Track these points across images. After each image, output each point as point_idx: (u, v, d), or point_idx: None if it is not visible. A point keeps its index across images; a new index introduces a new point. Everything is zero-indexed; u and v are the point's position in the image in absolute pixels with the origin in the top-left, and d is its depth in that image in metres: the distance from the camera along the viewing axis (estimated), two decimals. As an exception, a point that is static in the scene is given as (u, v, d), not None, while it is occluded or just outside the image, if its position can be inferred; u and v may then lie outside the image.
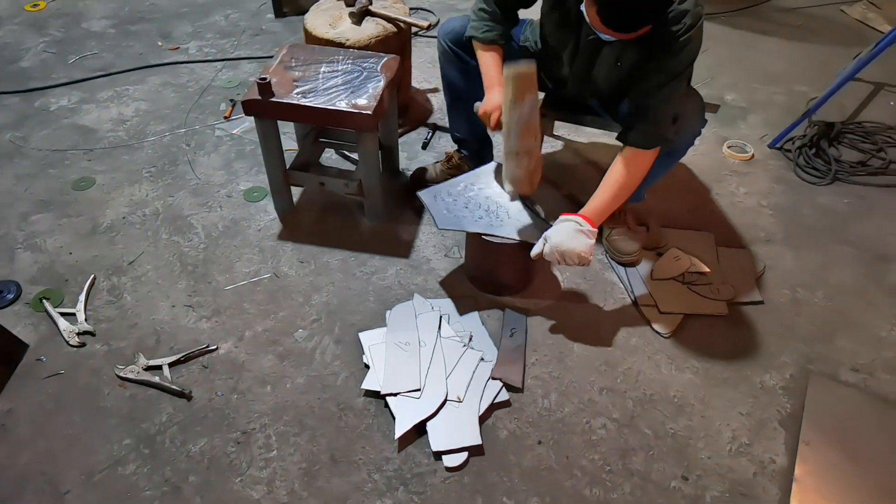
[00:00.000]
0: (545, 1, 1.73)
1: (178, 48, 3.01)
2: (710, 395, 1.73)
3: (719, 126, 2.64)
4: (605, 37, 1.52)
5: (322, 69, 1.98)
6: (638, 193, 1.96)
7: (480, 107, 1.79)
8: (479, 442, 1.58)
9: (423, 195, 1.87)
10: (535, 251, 1.67)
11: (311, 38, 2.33)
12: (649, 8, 1.39)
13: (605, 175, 1.71)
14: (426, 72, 2.89)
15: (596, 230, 1.65)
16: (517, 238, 1.76)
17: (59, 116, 2.60)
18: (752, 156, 2.50)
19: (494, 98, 1.73)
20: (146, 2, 3.36)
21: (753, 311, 1.94)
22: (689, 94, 1.74)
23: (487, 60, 1.78)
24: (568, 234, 1.62)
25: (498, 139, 2.46)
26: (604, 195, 1.69)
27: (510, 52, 1.84)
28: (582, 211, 1.68)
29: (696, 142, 1.84)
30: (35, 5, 3.29)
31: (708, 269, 2.01)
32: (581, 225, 1.64)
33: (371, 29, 2.30)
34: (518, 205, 1.87)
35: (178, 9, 3.32)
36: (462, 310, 1.90)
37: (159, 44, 3.04)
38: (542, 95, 1.96)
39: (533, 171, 1.68)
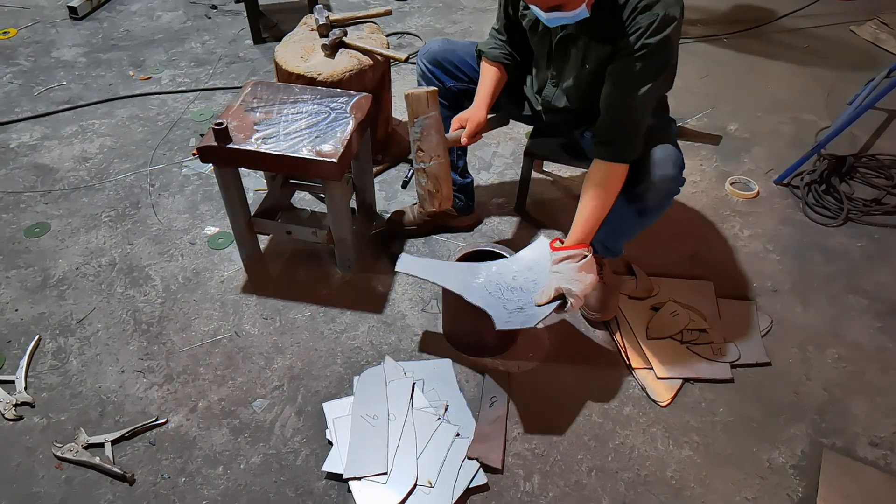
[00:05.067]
0: (521, 3, 1.65)
1: (149, 78, 2.86)
2: (711, 476, 1.55)
3: (721, 160, 2.46)
4: (542, 16, 1.43)
5: (286, 110, 1.82)
6: (615, 247, 1.81)
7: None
8: (451, 536, 1.41)
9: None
10: (568, 307, 1.47)
11: (281, 73, 2.18)
12: None
13: (584, 191, 1.57)
14: (410, 102, 2.73)
15: (590, 248, 1.53)
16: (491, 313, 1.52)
17: (19, 154, 2.45)
18: (757, 193, 2.32)
19: (472, 110, 1.71)
20: (120, 28, 3.22)
21: (759, 375, 1.76)
22: (662, 143, 1.57)
23: (485, 74, 1.76)
24: (578, 274, 1.48)
25: (477, 179, 2.31)
26: (588, 215, 1.55)
27: (514, 76, 1.79)
28: (571, 238, 1.54)
29: (680, 189, 1.65)
30: (5, 33, 3.16)
31: (708, 326, 1.83)
32: (585, 256, 1.50)
33: (345, 62, 2.14)
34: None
35: (152, 35, 3.17)
36: (438, 374, 1.73)
37: (130, 73, 2.89)
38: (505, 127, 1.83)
39: (433, 191, 1.65)
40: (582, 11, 1.39)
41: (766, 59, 3.07)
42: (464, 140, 1.66)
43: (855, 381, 1.76)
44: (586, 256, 1.50)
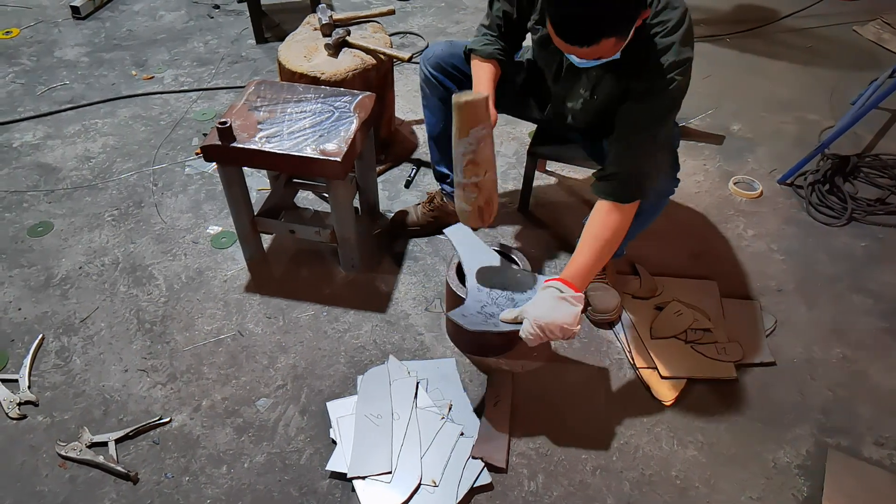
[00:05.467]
0: (534, 17, 1.59)
1: (152, 77, 2.86)
2: (716, 476, 1.54)
3: (724, 160, 2.46)
4: (574, 60, 1.36)
5: (289, 109, 1.82)
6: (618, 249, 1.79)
7: None
8: (456, 535, 1.41)
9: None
10: (521, 332, 1.42)
11: (284, 72, 2.18)
12: (601, 15, 1.22)
13: (584, 231, 1.51)
14: (412, 101, 2.73)
15: (581, 295, 1.41)
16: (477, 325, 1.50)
17: (22, 154, 2.44)
18: (761, 193, 2.32)
19: None
20: (123, 27, 3.22)
21: (764, 374, 1.75)
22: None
23: (480, 71, 1.64)
24: (548, 304, 1.38)
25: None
26: (585, 255, 1.48)
27: (507, 70, 1.71)
28: (563, 274, 1.47)
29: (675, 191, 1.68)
30: (8, 32, 3.16)
31: (712, 325, 1.83)
32: (562, 291, 1.40)
33: (348, 62, 2.14)
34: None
35: (154, 35, 3.17)
36: (442, 374, 1.73)
37: (133, 73, 2.89)
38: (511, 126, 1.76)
39: (483, 206, 1.53)
40: (616, 55, 1.34)
41: (769, 59, 3.07)
42: None
43: (860, 380, 1.75)
44: (563, 292, 1.39)
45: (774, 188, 2.35)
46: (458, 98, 1.39)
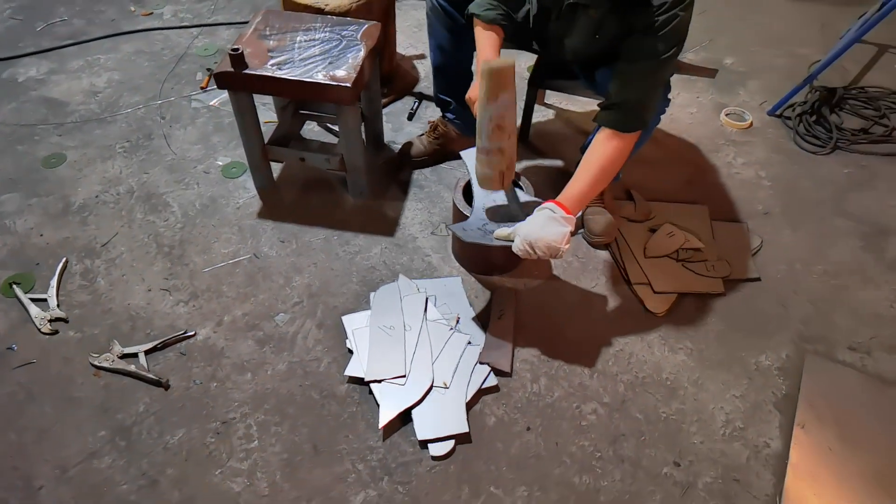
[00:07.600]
0: None
1: (151, 13, 2.87)
2: (703, 378, 1.68)
3: (717, 92, 2.54)
4: None
5: (298, 38, 1.87)
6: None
7: (469, 90, 1.71)
8: (466, 429, 1.53)
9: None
10: (513, 248, 1.50)
11: (288, 3, 2.21)
12: None
13: (583, 157, 1.58)
14: (412, 37, 2.77)
15: (573, 217, 1.48)
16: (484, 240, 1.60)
17: (28, 88, 2.47)
18: (751, 124, 2.41)
19: None
20: (118, -37, 3.19)
21: (749, 289, 1.88)
22: None
23: (484, 41, 1.67)
24: (539, 223, 1.46)
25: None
26: (582, 180, 1.54)
27: (511, 32, 1.75)
28: (559, 197, 1.54)
29: (662, 118, 1.77)
30: (1, -32, 3.12)
31: (702, 245, 1.94)
32: (554, 212, 1.47)
33: (352, -7, 2.17)
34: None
35: (151, -30, 3.15)
36: (449, 291, 1.84)
37: (132, 9, 2.89)
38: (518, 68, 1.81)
39: (505, 171, 1.57)
40: None
41: (763, -6, 3.12)
42: None
43: (838, 294, 1.88)
44: (555, 213, 1.47)
45: (764, 119, 2.44)
46: (489, 65, 1.42)
